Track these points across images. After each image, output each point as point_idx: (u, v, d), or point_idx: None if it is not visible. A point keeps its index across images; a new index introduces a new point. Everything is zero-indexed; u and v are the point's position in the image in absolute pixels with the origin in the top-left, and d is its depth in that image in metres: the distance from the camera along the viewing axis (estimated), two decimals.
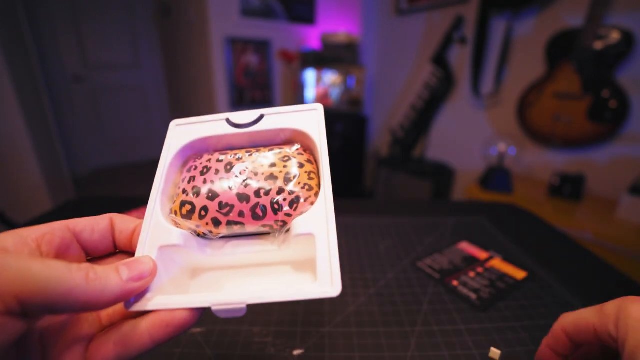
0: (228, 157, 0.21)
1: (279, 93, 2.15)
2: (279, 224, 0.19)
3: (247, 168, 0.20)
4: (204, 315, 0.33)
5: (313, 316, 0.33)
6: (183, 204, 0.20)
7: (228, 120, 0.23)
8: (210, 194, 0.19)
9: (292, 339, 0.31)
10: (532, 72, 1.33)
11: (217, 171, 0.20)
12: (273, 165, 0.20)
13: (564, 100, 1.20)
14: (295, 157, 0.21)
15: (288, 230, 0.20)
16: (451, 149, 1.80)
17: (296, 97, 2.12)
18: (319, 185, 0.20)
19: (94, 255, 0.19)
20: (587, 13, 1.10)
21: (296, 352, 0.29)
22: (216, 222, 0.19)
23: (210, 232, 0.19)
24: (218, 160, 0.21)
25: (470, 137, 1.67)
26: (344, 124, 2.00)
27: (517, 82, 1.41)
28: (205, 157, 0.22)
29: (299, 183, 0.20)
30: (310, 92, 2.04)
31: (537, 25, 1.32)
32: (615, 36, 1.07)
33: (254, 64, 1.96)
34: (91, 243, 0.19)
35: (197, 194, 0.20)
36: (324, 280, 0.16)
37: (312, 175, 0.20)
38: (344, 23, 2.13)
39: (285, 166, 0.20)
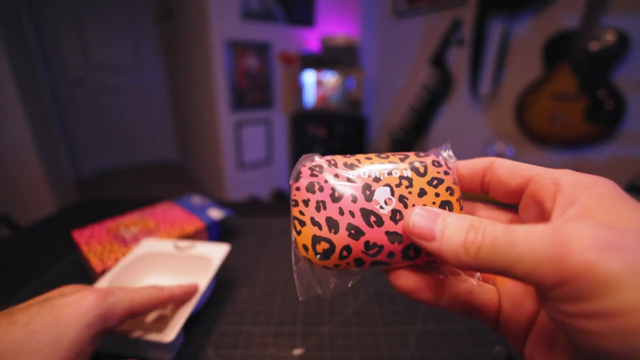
0: (361, 173, 0.17)
1: (279, 95, 2.16)
2: (429, 263, 0.17)
3: (392, 196, 0.17)
4: (204, 314, 0.34)
5: (313, 316, 0.34)
6: (317, 239, 0.16)
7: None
8: (353, 231, 0.16)
9: (292, 338, 0.31)
10: (529, 73, 1.34)
11: (353, 197, 0.16)
12: (423, 192, 0.17)
13: (561, 100, 1.20)
14: (443, 179, 0.18)
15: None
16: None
17: (296, 98, 2.13)
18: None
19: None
20: (583, 14, 1.11)
21: (296, 352, 0.30)
22: (359, 263, 0.16)
23: (344, 270, 0.17)
24: (350, 180, 0.17)
25: (469, 138, 1.68)
26: (344, 125, 2.01)
27: (514, 83, 1.42)
28: (329, 169, 0.17)
29: None
30: (310, 93, 2.05)
31: (534, 27, 1.33)
32: (611, 37, 1.08)
33: (254, 66, 1.97)
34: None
35: (335, 229, 0.16)
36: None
37: (462, 203, 0.18)
38: (343, 25, 2.15)
39: (437, 194, 0.17)
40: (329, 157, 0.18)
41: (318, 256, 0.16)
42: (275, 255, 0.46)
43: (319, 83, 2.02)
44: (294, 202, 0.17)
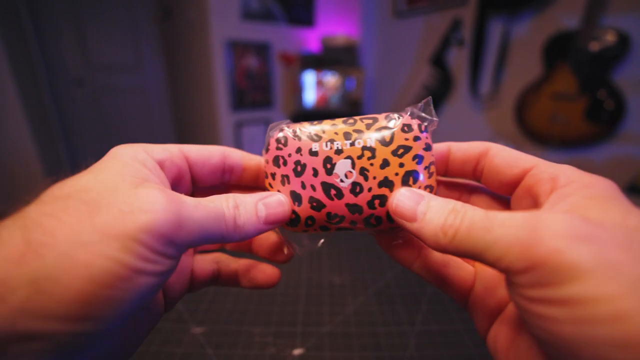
0: (323, 145, 0.17)
1: (279, 95, 2.16)
2: (392, 229, 0.18)
3: (353, 169, 0.16)
4: (205, 315, 0.34)
5: (313, 316, 0.34)
6: None
7: None
8: (314, 204, 0.17)
9: (292, 338, 0.31)
10: (529, 73, 1.34)
11: (314, 171, 0.17)
12: (386, 163, 0.16)
13: (561, 100, 1.20)
14: (410, 146, 0.16)
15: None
16: None
17: (296, 98, 2.13)
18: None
19: (198, 185, 0.19)
20: (583, 14, 1.11)
21: (296, 352, 0.30)
22: (325, 229, 0.18)
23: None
24: (312, 153, 0.17)
25: (469, 138, 1.65)
26: None
27: (514, 83, 1.42)
28: (293, 142, 0.17)
29: (420, 188, 0.16)
30: (310, 94, 2.05)
31: (534, 27, 1.33)
32: (611, 37, 1.08)
33: (254, 66, 1.97)
34: (199, 175, 0.18)
35: (299, 202, 0.17)
36: None
37: (432, 169, 0.17)
38: (343, 25, 2.15)
39: (401, 164, 0.16)
40: (295, 126, 0.18)
41: (286, 223, 0.18)
42: None
43: (319, 83, 2.02)
44: (264, 174, 0.19)
